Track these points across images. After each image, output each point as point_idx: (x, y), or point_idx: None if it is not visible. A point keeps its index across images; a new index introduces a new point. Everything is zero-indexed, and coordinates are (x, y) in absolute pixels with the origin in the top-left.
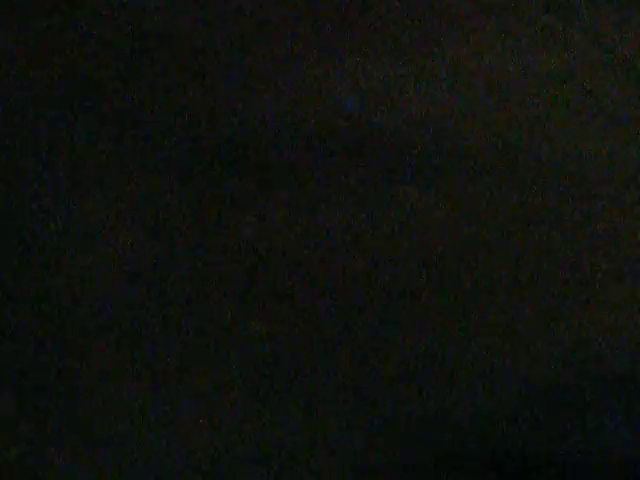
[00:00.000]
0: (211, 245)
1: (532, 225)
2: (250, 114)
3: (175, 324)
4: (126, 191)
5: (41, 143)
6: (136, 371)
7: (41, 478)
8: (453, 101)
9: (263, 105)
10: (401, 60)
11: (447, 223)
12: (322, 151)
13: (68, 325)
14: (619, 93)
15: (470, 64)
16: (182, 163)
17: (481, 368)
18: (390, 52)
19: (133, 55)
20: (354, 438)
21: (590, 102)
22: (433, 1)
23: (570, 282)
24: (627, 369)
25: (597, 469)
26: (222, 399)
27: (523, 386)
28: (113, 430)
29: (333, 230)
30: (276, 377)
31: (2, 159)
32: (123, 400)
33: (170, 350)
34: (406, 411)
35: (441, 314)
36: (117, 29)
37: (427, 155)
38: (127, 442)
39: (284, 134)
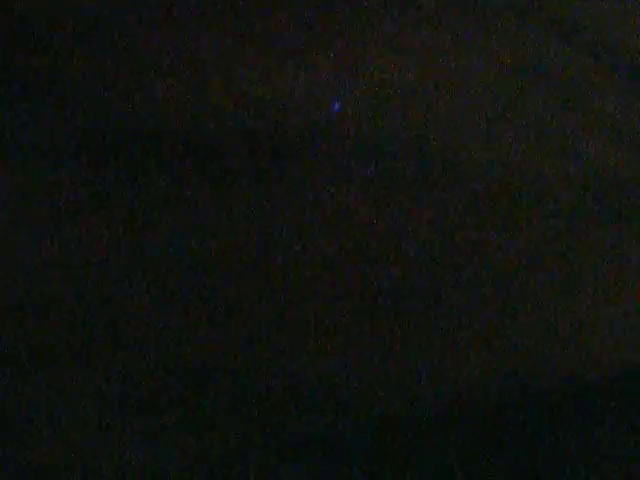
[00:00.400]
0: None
1: (458, 228)
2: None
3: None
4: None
5: None
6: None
7: None
8: (381, 106)
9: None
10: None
11: (377, 222)
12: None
13: None
14: (542, 100)
15: (400, 72)
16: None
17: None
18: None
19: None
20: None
21: (513, 109)
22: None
23: (500, 281)
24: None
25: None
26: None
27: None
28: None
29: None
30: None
31: None
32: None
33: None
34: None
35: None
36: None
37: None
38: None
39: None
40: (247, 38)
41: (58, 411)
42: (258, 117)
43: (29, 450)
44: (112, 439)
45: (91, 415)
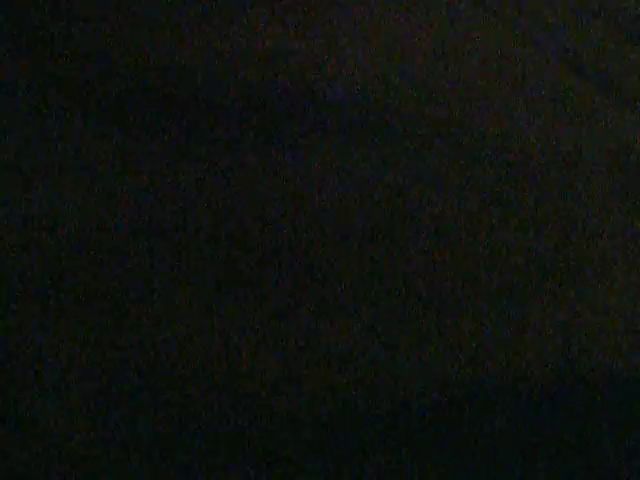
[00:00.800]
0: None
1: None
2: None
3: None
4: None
5: None
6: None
7: None
8: (398, 73)
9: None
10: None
11: (395, 187)
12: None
13: None
14: (555, 73)
15: (414, 39)
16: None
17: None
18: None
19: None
20: None
21: (528, 81)
22: None
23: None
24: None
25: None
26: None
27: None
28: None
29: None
30: None
31: None
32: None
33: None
34: None
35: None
36: None
37: (379, 122)
38: None
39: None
40: None
41: None
42: (260, 72)
43: None
44: None
45: None
